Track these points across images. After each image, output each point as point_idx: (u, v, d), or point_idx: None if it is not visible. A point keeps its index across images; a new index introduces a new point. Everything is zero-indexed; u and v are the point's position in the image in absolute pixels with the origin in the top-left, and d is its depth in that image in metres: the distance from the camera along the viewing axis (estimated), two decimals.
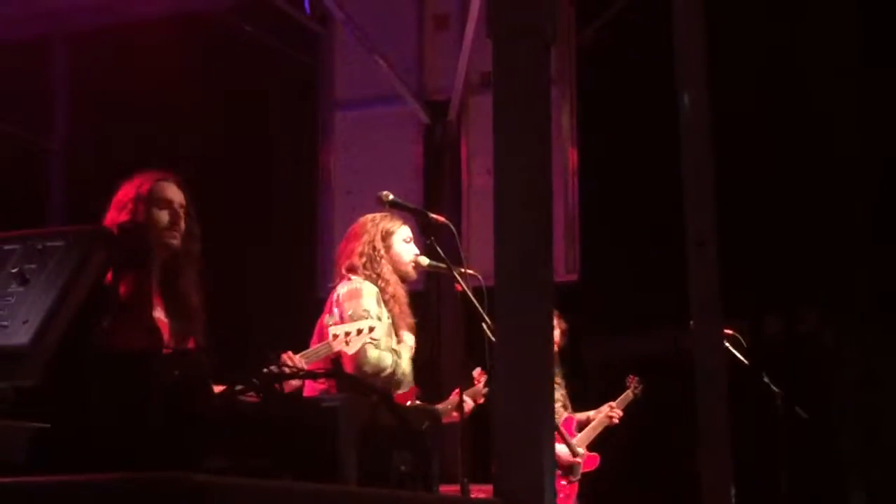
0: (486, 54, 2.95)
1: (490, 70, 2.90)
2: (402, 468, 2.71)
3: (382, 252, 5.08)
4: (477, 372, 5.98)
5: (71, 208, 8.71)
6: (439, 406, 5.69)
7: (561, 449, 6.52)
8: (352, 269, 5.07)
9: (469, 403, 5.89)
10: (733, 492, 3.20)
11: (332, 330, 4.64)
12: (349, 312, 4.81)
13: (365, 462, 2.62)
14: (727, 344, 4.86)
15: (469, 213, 7.63)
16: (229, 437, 2.42)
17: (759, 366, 5.09)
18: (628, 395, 7.28)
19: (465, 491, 4.64)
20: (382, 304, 4.99)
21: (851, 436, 6.38)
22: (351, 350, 4.62)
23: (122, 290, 2.87)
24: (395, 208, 5.08)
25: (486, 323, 4.92)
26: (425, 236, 5.05)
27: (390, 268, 5.08)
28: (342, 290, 4.98)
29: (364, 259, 5.06)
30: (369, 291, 4.94)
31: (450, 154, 7.81)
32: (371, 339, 4.65)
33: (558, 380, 6.53)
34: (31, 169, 9.00)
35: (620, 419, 7.14)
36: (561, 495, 6.58)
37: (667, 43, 3.38)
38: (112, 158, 7.86)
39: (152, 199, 3.87)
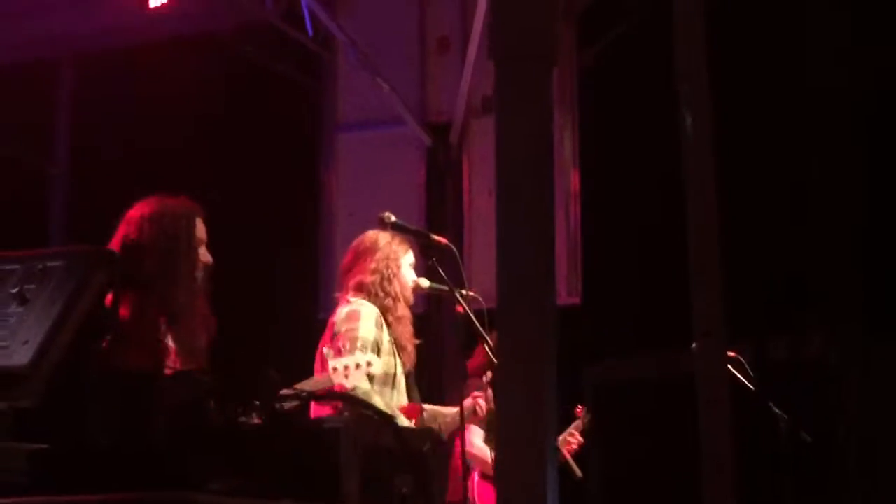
0: (487, 76, 2.95)
1: (491, 94, 2.89)
2: (404, 490, 2.71)
3: (395, 271, 5.05)
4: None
5: (73, 232, 8.71)
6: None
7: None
8: (360, 288, 5.00)
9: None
10: None
11: (331, 364, 4.61)
12: (346, 346, 4.77)
13: (367, 483, 2.61)
14: (730, 367, 4.84)
15: (471, 235, 7.63)
16: (232, 457, 2.41)
17: (762, 388, 5.06)
18: (579, 424, 7.12)
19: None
20: (385, 326, 4.95)
21: (854, 460, 6.34)
22: (350, 384, 4.60)
23: (122, 311, 2.86)
24: (397, 230, 5.06)
25: (488, 344, 4.92)
26: (427, 258, 5.04)
27: (399, 288, 5.05)
28: (342, 312, 4.95)
29: (377, 276, 5.00)
30: (368, 314, 4.89)
31: (452, 176, 7.82)
32: (369, 374, 4.63)
33: None
34: (33, 192, 9.01)
35: (581, 446, 6.94)
36: None
37: (669, 64, 3.38)
38: (115, 182, 7.86)
39: (200, 238, 4.00)
